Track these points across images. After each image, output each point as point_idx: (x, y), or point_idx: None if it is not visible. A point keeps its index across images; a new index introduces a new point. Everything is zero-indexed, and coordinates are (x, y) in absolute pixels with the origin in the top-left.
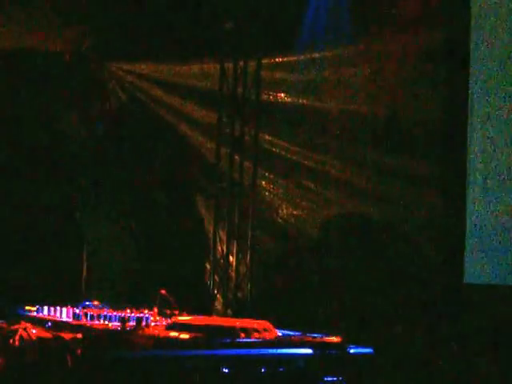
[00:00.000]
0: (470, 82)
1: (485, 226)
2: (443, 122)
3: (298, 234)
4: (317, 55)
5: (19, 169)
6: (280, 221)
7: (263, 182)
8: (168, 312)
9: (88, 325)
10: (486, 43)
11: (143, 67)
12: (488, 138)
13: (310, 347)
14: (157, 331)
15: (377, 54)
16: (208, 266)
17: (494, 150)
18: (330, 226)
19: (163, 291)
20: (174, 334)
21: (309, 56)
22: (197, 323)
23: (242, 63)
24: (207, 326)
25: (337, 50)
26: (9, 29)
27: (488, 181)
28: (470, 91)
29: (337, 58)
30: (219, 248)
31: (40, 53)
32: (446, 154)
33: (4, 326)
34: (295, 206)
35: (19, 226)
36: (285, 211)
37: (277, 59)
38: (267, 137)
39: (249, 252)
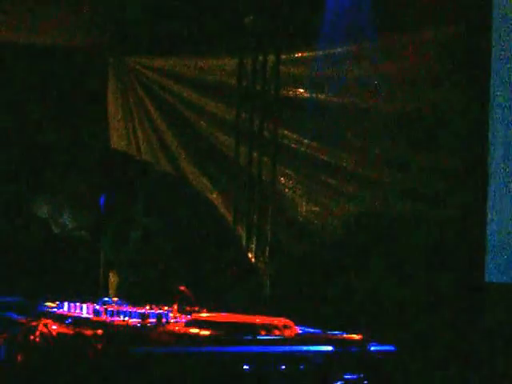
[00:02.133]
0: (492, 74)
1: (506, 222)
2: (464, 114)
3: (318, 230)
4: (337, 50)
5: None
6: (300, 217)
7: (282, 179)
8: (188, 309)
9: (108, 321)
10: (508, 34)
11: (161, 62)
12: (510, 130)
13: (330, 345)
14: (177, 328)
15: (398, 49)
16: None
17: None
18: (352, 223)
19: (183, 288)
20: (194, 330)
21: (329, 51)
22: (217, 320)
23: (261, 58)
24: (227, 323)
25: (357, 46)
26: (22, 22)
27: (510, 175)
28: (491, 83)
29: (357, 54)
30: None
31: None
32: (467, 148)
33: (24, 322)
34: (315, 203)
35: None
36: (304, 208)
37: (296, 54)
38: (286, 132)
39: (268, 249)
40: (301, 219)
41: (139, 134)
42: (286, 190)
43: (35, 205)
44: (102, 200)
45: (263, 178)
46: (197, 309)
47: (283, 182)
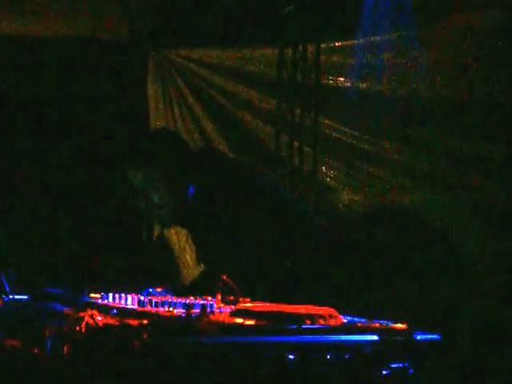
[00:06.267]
0: None
1: None
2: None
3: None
4: (377, 39)
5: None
6: (341, 206)
7: (323, 168)
8: (231, 298)
9: (153, 311)
10: None
11: (202, 53)
12: None
13: (375, 334)
14: (222, 318)
15: (439, 36)
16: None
17: None
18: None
19: (225, 277)
20: (239, 320)
21: (369, 40)
22: (261, 310)
23: (301, 47)
24: (272, 313)
25: (397, 33)
26: (62, 14)
27: None
28: None
29: (397, 41)
30: None
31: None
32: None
33: (71, 313)
34: (357, 192)
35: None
36: (346, 197)
37: (336, 43)
38: (327, 122)
39: None
40: (342, 208)
41: (180, 126)
42: (328, 180)
43: (131, 172)
44: (190, 190)
45: (304, 167)
46: (240, 299)
47: (324, 171)
